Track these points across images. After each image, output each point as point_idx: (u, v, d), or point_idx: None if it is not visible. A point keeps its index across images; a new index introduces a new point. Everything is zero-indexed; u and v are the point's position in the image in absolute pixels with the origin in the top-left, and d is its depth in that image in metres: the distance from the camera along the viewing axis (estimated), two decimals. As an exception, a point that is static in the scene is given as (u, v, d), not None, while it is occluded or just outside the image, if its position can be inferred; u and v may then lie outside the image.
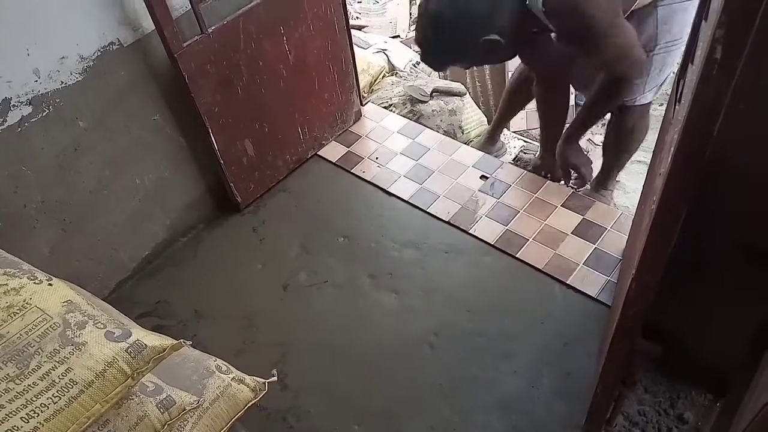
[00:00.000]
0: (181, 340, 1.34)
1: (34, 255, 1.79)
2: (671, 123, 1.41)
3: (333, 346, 2.03)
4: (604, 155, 2.49)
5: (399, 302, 2.12)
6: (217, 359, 1.66)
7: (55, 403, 1.11)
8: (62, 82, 1.78)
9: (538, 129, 2.66)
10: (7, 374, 1.11)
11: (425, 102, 2.99)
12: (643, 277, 1.16)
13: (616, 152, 2.41)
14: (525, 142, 3.15)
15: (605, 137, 2.50)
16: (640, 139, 2.35)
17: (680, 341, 1.72)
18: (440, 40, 1.90)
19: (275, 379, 1.70)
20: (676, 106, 1.38)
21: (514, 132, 3.27)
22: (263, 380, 1.68)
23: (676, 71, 1.80)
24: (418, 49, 2.19)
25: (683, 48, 1.66)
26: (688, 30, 1.54)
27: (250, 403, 1.61)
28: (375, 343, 2.02)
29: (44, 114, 1.76)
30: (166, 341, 1.32)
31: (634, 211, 2.10)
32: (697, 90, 0.85)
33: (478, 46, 1.85)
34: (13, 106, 1.68)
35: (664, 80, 2.16)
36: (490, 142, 2.86)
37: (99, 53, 1.83)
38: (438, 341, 2.00)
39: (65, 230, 1.98)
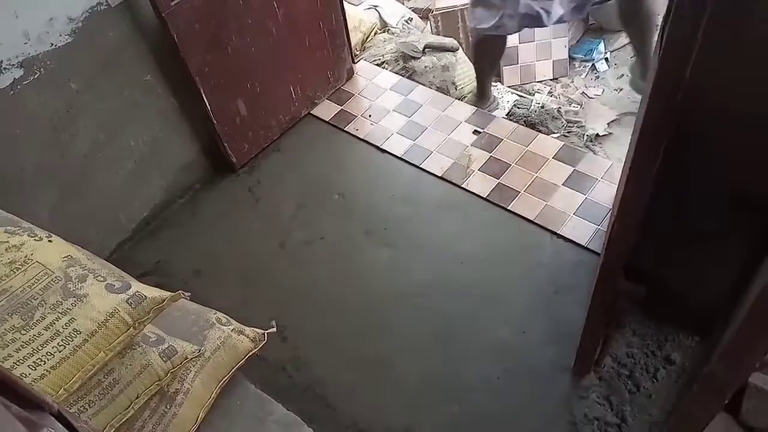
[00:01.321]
0: (179, 292, 1.39)
1: (33, 217, 1.81)
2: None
3: (330, 300, 2.08)
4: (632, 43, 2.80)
5: (393, 256, 2.17)
6: (217, 312, 1.72)
7: (60, 352, 1.16)
8: (52, 44, 1.78)
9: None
10: (13, 325, 1.16)
11: (418, 58, 2.97)
12: (624, 218, 1.20)
13: (638, 27, 2.63)
14: (519, 96, 3.14)
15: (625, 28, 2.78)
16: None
17: (666, 284, 1.77)
18: None
19: (274, 330, 1.76)
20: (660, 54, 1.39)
21: (508, 87, 3.27)
22: (262, 331, 1.74)
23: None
24: None
25: None
26: None
27: (251, 353, 1.67)
28: (371, 296, 2.08)
29: (36, 76, 1.78)
30: (165, 293, 1.37)
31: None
32: (670, 27, 0.87)
33: None
34: (5, 68, 1.69)
35: None
36: (481, 100, 2.87)
37: (87, 14, 1.83)
38: (431, 291, 2.05)
39: (63, 193, 2.01)
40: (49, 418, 0.74)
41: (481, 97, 2.87)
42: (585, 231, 2.13)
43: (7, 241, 1.30)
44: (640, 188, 1.11)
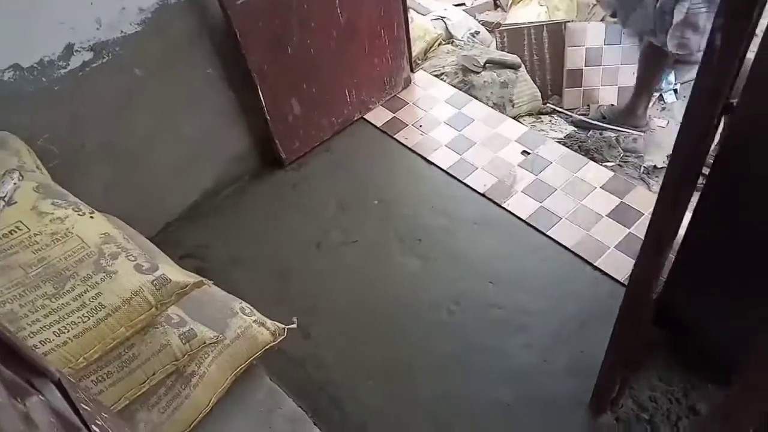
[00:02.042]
0: (203, 279, 1.45)
1: (88, 193, 1.91)
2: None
3: (357, 303, 2.11)
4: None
5: (423, 267, 2.17)
6: (242, 302, 1.77)
7: (84, 322, 1.24)
8: (122, 32, 1.89)
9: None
10: (45, 292, 1.24)
11: (478, 73, 2.97)
12: (647, 257, 1.16)
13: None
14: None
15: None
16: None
17: (699, 334, 1.70)
18: None
19: (295, 326, 1.81)
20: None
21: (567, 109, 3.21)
22: (283, 326, 1.78)
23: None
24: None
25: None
26: None
27: (268, 346, 1.72)
28: (396, 304, 2.09)
29: (104, 61, 1.89)
30: (190, 279, 1.43)
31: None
32: (698, 76, 0.84)
33: None
34: (76, 51, 1.81)
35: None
36: (628, 114, 2.96)
37: (157, 6, 1.93)
38: (457, 308, 2.04)
39: (118, 171, 2.12)
40: (48, 386, 0.79)
41: (629, 111, 2.96)
42: (624, 266, 2.07)
43: (53, 213, 1.39)
44: (667, 222, 1.06)
